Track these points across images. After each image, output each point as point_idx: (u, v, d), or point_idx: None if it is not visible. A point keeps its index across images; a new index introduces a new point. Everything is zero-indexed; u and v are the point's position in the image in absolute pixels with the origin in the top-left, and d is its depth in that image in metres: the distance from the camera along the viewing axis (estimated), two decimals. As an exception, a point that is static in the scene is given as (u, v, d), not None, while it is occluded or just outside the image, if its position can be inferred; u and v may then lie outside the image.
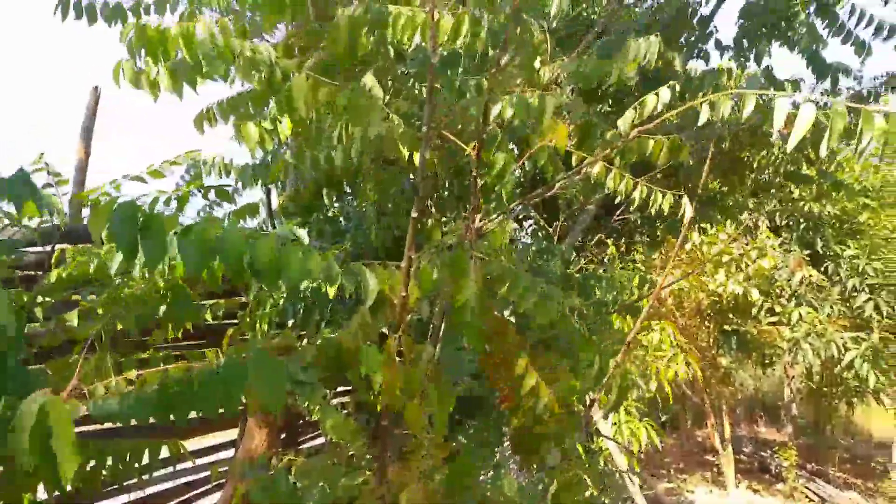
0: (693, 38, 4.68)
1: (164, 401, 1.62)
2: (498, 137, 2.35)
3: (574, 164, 2.55)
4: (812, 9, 4.36)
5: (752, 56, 4.57)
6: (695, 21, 4.56)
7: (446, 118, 2.21)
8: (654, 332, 7.76)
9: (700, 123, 1.93)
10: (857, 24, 4.17)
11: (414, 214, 1.92)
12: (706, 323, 10.27)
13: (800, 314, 9.08)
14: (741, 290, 8.94)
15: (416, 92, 2.85)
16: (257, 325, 3.45)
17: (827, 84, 4.55)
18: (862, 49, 4.35)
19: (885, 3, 3.84)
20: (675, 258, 8.77)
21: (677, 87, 4.07)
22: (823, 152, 1.75)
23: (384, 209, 2.85)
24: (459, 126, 2.26)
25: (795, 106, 1.79)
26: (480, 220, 2.28)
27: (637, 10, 4.73)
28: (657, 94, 2.00)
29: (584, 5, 4.85)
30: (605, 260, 5.50)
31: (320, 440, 5.19)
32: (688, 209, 2.61)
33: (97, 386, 2.35)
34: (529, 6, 3.86)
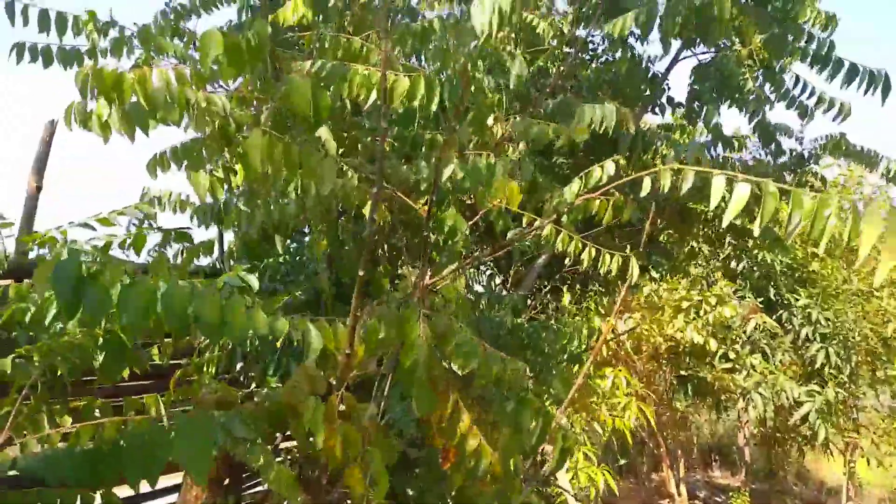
0: (647, 94, 4.84)
1: (91, 463, 1.58)
2: (448, 197, 2.39)
3: (525, 221, 2.60)
4: (759, 72, 4.55)
5: (702, 114, 4.74)
6: (649, 77, 4.72)
7: (400, 176, 2.24)
8: (606, 378, 7.82)
9: (643, 194, 1.99)
10: (800, 93, 4.38)
11: (360, 272, 1.93)
12: (663, 367, 10.38)
13: (752, 363, 9.22)
14: (701, 339, 9.08)
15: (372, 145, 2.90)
16: (204, 369, 3.40)
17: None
18: (805, 114, 4.56)
19: (830, 80, 4.04)
20: (624, 306, 8.91)
21: (625, 151, 4.21)
22: (757, 231, 1.83)
23: (335, 256, 2.86)
24: (412, 181, 2.29)
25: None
26: (431, 277, 2.29)
27: (591, 66, 4.87)
28: (602, 167, 2.06)
29: (540, 62, 4.99)
30: (558, 307, 5.54)
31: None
32: (635, 271, 2.68)
33: (29, 439, 2.28)
34: (491, 64, 3.97)
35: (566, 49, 5.11)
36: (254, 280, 3.26)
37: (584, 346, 4.33)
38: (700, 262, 9.84)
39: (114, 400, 2.64)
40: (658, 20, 3.13)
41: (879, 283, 9.90)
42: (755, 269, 10.42)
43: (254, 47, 2.20)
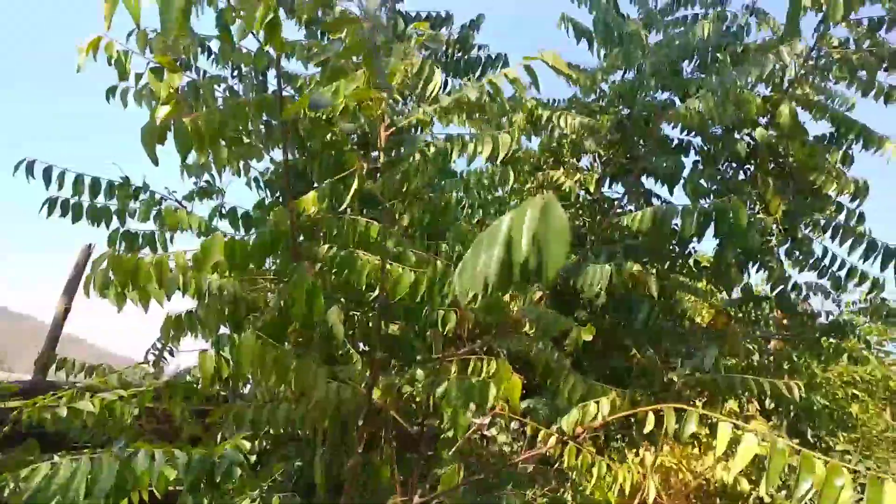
0: (673, 256, 4.79)
1: None
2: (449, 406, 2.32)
3: (528, 431, 2.51)
4: (789, 241, 4.49)
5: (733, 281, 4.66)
6: (674, 241, 4.68)
7: (392, 388, 2.19)
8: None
9: (645, 431, 1.91)
10: (829, 265, 4.29)
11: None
12: (693, 506, 9.83)
13: (787, 509, 8.68)
14: (731, 478, 8.65)
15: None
16: None
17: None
18: (838, 285, 4.44)
19: (849, 253, 3.98)
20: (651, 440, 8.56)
21: (643, 319, 4.09)
22: (763, 493, 1.71)
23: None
24: (405, 393, 2.25)
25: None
26: (422, 496, 2.20)
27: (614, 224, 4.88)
28: (597, 403, 1.99)
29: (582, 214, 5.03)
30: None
31: None
32: (651, 489, 2.54)
33: None
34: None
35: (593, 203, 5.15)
36: (253, 455, 3.18)
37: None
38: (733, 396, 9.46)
39: None
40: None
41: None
42: (791, 406, 9.98)
43: (255, 247, 2.24)
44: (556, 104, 5.38)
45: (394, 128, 2.06)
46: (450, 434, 2.33)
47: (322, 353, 2.77)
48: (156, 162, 2.13)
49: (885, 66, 4.00)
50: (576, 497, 3.96)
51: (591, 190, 5.01)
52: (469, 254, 1.14)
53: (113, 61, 2.79)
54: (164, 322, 3.25)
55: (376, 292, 2.54)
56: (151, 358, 4.48)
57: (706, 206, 2.75)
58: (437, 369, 2.12)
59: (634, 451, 9.07)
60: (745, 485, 9.02)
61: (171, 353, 4.56)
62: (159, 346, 4.51)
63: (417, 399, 2.29)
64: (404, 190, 3.32)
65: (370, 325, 2.91)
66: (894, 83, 4.09)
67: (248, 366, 2.12)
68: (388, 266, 2.51)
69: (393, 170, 3.67)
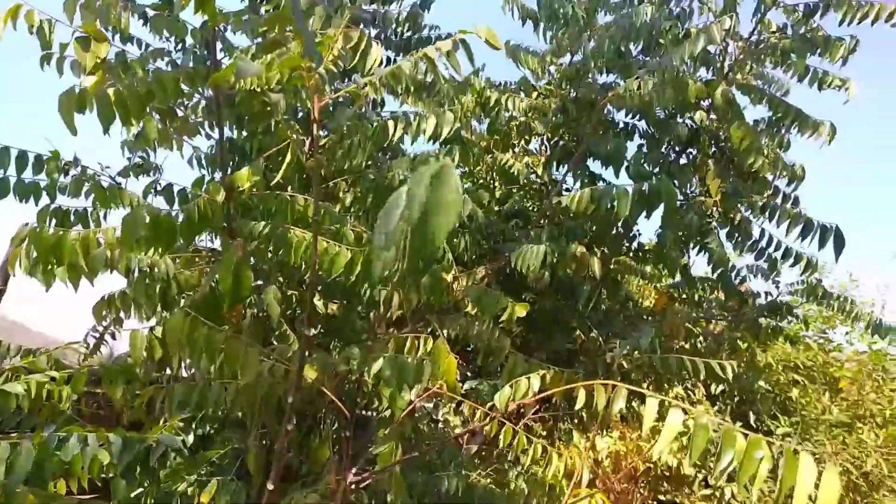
0: (617, 236, 4.85)
1: None
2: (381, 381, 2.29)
3: (466, 409, 2.51)
4: (728, 225, 4.59)
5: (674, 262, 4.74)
6: (619, 225, 4.74)
7: (327, 367, 2.16)
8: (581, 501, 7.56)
9: (577, 407, 1.93)
10: (767, 246, 4.40)
11: (270, 487, 1.82)
12: (641, 490, 10.07)
13: (732, 492, 8.97)
14: (675, 461, 8.93)
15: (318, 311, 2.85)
16: None
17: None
18: (774, 267, 4.56)
19: (787, 233, 4.08)
20: (603, 423, 8.74)
21: (584, 298, 4.14)
22: (688, 467, 1.75)
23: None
24: (341, 371, 2.22)
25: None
26: (357, 474, 2.18)
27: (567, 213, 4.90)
28: (528, 379, 2.00)
29: (517, 202, 5.04)
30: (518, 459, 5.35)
31: None
32: (585, 475, 2.57)
33: None
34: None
35: (540, 187, 5.18)
36: (190, 439, 3.11)
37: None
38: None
39: None
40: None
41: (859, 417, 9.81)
42: (735, 393, 10.28)
43: (183, 222, 2.17)
44: (506, 87, 5.38)
45: (326, 101, 2.01)
46: (387, 414, 2.31)
47: (258, 333, 2.72)
48: (74, 132, 2.04)
49: (818, 51, 4.10)
50: (520, 478, 4.00)
51: (539, 173, 5.03)
52: (375, 229, 1.12)
53: (35, 30, 2.67)
54: (97, 303, 3.15)
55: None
56: (92, 341, 4.32)
57: (642, 186, 2.78)
58: (372, 347, 2.09)
59: (586, 436, 9.27)
60: (689, 469, 9.33)
61: (113, 337, 4.41)
62: (100, 328, 4.35)
63: (353, 378, 2.26)
64: (346, 168, 3.26)
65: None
66: (827, 69, 4.20)
67: (175, 344, 2.06)
68: (324, 244, 2.47)
69: (333, 147, 3.62)
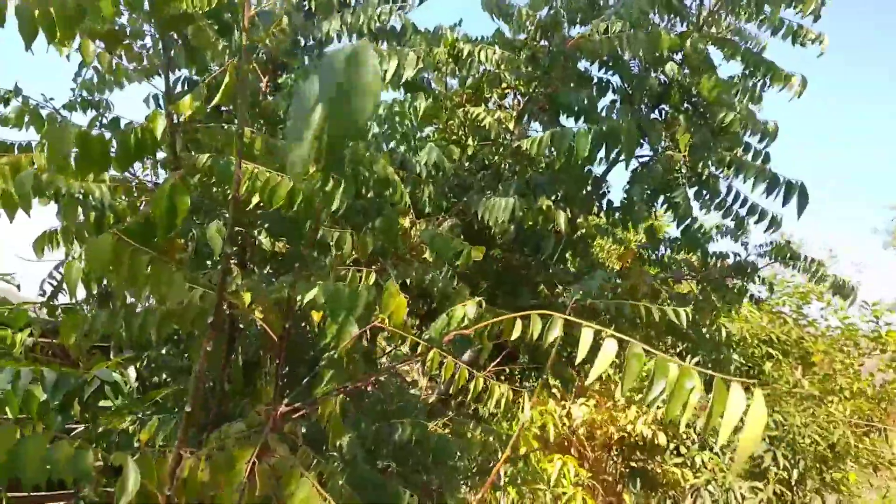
0: (587, 195, 4.78)
1: None
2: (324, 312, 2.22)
3: (408, 344, 2.45)
4: (696, 181, 4.54)
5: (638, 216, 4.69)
6: (588, 178, 4.67)
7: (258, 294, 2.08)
8: (554, 464, 7.63)
9: (512, 338, 1.86)
10: (733, 203, 4.35)
11: (187, 409, 1.75)
12: (614, 457, 10.20)
13: (703, 459, 9.10)
14: (650, 432, 9.06)
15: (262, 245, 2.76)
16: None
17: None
18: (741, 225, 4.53)
19: (752, 189, 4.02)
20: (579, 390, 8.79)
21: (548, 251, 4.09)
22: (620, 394, 1.70)
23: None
24: (273, 299, 2.14)
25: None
26: (289, 404, 2.11)
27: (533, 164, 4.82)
28: (464, 307, 1.94)
29: (487, 155, 4.95)
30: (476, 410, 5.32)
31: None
32: (526, 408, 2.52)
33: None
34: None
35: (512, 143, 5.08)
36: (131, 374, 3.03)
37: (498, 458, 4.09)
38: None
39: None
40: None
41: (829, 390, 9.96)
42: (709, 365, 10.36)
43: (119, 146, 2.07)
44: (480, 40, 5.26)
45: (254, 12, 1.91)
46: (328, 343, 2.24)
47: (199, 268, 2.63)
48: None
49: (792, 3, 4.02)
50: (478, 429, 3.96)
51: (511, 127, 4.94)
52: (288, 125, 1.03)
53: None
54: (37, 238, 3.05)
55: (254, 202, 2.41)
56: (49, 288, 4.18)
57: (602, 126, 2.71)
58: (310, 275, 2.02)
59: (562, 404, 9.31)
60: (661, 438, 9.45)
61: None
62: (57, 276, 4.21)
63: (300, 314, 2.19)
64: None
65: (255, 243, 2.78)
66: (802, 23, 4.12)
67: (100, 266, 1.97)
68: (265, 174, 2.38)
69: (289, 88, 3.51)
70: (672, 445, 9.56)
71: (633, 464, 10.14)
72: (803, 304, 12.03)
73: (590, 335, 1.76)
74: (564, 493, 7.60)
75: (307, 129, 1.02)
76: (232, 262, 2.80)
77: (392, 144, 4.37)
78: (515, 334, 1.88)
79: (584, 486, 7.99)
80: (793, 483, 8.78)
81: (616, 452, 10.08)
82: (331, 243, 2.95)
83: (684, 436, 9.64)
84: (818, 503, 9.50)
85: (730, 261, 5.25)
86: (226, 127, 2.72)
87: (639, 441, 9.48)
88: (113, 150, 2.22)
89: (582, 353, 1.76)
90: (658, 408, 9.31)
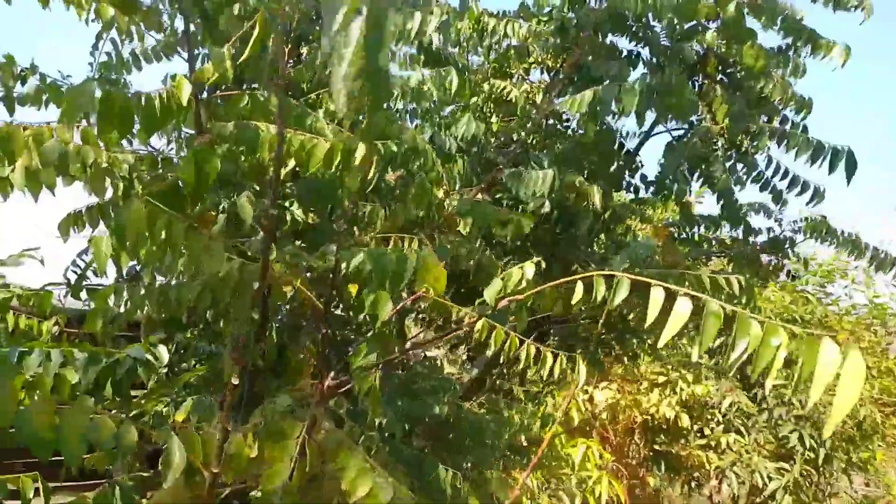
0: (618, 170, 4.65)
1: None
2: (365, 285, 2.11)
3: (454, 314, 2.34)
4: (733, 154, 4.39)
5: (674, 190, 4.55)
6: (620, 152, 4.54)
7: (300, 263, 1.98)
8: (578, 448, 7.57)
9: (573, 301, 1.75)
10: (773, 175, 4.20)
11: (234, 381, 1.65)
12: (637, 440, 10.12)
13: (728, 441, 8.99)
14: (673, 414, 8.97)
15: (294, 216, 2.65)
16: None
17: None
18: (779, 199, 4.38)
19: (796, 158, 3.87)
20: (602, 376, 8.69)
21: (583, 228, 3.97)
22: (695, 357, 1.58)
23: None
24: (316, 269, 2.04)
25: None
26: (336, 378, 2.01)
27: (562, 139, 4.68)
28: (521, 269, 1.82)
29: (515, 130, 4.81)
30: (511, 390, 5.22)
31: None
32: (581, 372, 2.41)
33: None
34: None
35: (540, 118, 4.94)
36: (163, 353, 2.94)
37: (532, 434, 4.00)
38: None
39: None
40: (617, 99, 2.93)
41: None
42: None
43: (144, 109, 1.96)
44: (505, 14, 5.13)
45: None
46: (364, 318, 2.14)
47: (229, 238, 2.53)
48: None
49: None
50: (513, 409, 3.87)
51: (538, 101, 4.80)
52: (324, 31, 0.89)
53: None
54: (63, 219, 2.95)
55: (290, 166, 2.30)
56: (72, 276, 4.08)
57: (650, 80, 2.56)
58: (351, 244, 1.91)
59: (584, 389, 9.20)
60: (684, 420, 9.34)
61: (96, 274, 4.17)
62: (81, 263, 4.11)
63: (334, 291, 2.08)
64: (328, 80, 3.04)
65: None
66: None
67: (134, 235, 1.87)
68: (299, 138, 2.27)
69: (314, 57, 3.40)
70: (696, 428, 9.47)
71: (656, 447, 10.05)
72: (827, 283, 11.86)
73: (661, 294, 1.63)
74: (589, 477, 7.53)
75: (346, 47, 0.89)
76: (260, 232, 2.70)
77: (418, 121, 4.26)
78: (577, 297, 1.76)
79: (608, 469, 7.93)
80: (819, 463, 8.65)
81: (639, 436, 10.01)
82: (363, 216, 2.85)
83: (708, 416, 9.54)
84: (845, 483, 9.37)
85: (762, 237, 5.09)
86: (251, 93, 2.61)
87: (662, 424, 9.40)
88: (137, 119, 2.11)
89: (652, 313, 1.63)
90: (681, 389, 9.22)
